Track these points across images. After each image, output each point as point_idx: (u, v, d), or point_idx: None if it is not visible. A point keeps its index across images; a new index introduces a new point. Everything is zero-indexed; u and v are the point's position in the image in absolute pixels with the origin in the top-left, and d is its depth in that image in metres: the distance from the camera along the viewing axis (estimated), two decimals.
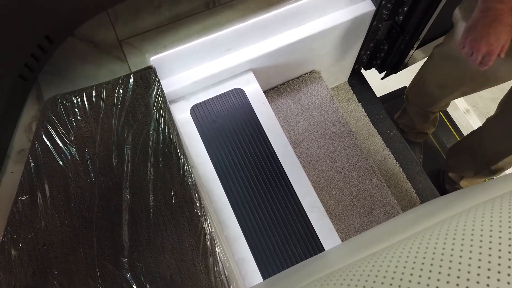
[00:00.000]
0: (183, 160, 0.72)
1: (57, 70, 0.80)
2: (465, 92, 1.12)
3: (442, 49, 1.07)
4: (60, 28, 0.80)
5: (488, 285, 0.23)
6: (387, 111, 1.45)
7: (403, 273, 0.24)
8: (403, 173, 1.32)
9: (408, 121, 1.45)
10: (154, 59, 0.83)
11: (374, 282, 0.25)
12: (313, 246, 0.85)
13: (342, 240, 1.00)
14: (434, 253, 0.25)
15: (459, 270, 0.24)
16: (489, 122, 1.14)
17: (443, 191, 1.48)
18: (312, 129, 1.24)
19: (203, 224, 0.68)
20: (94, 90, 0.77)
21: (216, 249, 0.67)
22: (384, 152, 1.35)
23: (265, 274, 0.82)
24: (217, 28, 0.86)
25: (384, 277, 0.25)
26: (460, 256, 0.24)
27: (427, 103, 1.30)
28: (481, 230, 0.26)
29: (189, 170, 0.72)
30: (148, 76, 0.79)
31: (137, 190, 0.70)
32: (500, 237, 0.25)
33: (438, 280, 0.23)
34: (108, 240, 0.67)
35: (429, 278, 0.24)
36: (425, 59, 1.42)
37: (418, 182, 1.33)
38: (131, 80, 0.78)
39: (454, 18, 0.96)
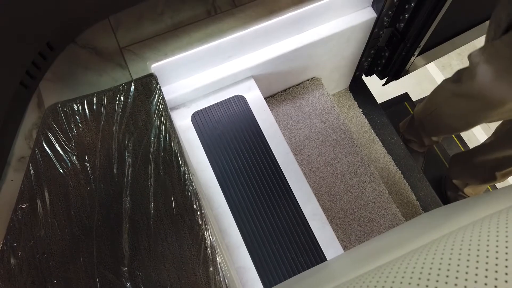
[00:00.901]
0: (184, 168, 0.72)
1: (58, 77, 0.80)
2: (492, 121, 1.10)
3: (461, 89, 1.04)
4: (61, 35, 0.80)
5: None
6: (388, 118, 1.44)
7: None
8: (405, 180, 1.32)
9: (415, 136, 1.45)
10: (155, 66, 0.83)
11: None
12: (315, 255, 0.85)
13: (344, 249, 1.00)
14: (439, 269, 0.25)
15: (465, 286, 0.23)
16: (498, 133, 1.13)
17: (444, 198, 1.47)
18: (313, 136, 1.24)
19: (204, 232, 0.67)
20: (95, 98, 0.77)
21: (217, 258, 0.66)
22: (385, 159, 1.35)
23: (266, 283, 0.81)
24: (219, 35, 0.86)
25: None
26: (466, 273, 0.24)
27: (446, 132, 1.29)
28: (487, 245, 0.25)
29: (190, 178, 0.71)
30: (149, 84, 0.79)
31: (137, 198, 0.70)
32: (506, 253, 0.24)
33: None
34: (108, 248, 0.66)
35: None
36: (425, 65, 1.42)
37: (420, 189, 1.32)
38: (132, 87, 0.78)
39: (473, 60, 0.95)
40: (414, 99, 1.79)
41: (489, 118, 1.04)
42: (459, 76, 1.05)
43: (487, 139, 1.23)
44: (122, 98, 0.77)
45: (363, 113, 1.43)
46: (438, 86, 1.20)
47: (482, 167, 1.23)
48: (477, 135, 2.05)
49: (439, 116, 1.21)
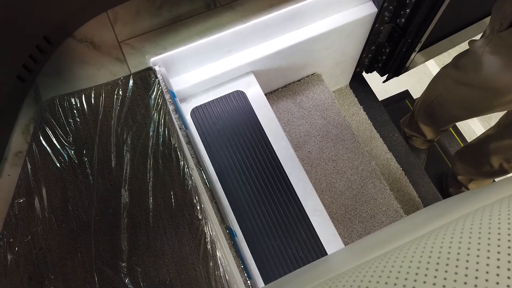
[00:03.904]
0: (183, 162, 0.71)
1: (56, 72, 0.79)
2: (496, 111, 1.07)
3: (466, 77, 1.03)
4: (59, 29, 0.79)
5: (508, 285, 0.21)
6: (389, 115, 1.44)
7: (417, 274, 0.23)
8: (406, 177, 1.31)
9: (417, 132, 1.44)
10: (154, 61, 0.82)
11: (386, 283, 0.23)
12: (316, 251, 0.84)
13: (345, 245, 0.99)
14: (449, 253, 0.24)
15: (476, 270, 0.22)
16: (503, 124, 1.12)
17: (446, 195, 1.46)
18: (314, 132, 1.23)
19: (204, 227, 0.66)
20: (93, 92, 0.76)
21: (217, 253, 0.65)
22: (386, 156, 1.34)
23: (267, 279, 0.80)
24: (218, 29, 0.85)
25: (397, 278, 0.23)
26: (478, 256, 0.23)
27: (449, 122, 1.28)
28: (498, 228, 0.24)
29: (189, 172, 0.70)
30: (148, 77, 0.78)
31: (136, 192, 0.69)
32: None
33: (455, 280, 0.22)
34: (106, 244, 0.65)
35: (445, 278, 0.22)
36: (425, 62, 1.41)
37: (421, 186, 1.31)
38: (131, 81, 0.77)
39: (477, 49, 0.94)
40: (415, 97, 1.78)
41: (494, 108, 1.04)
42: (462, 63, 1.04)
43: (489, 129, 1.21)
44: (120, 92, 0.76)
45: (364, 110, 1.42)
46: (438, 75, 1.19)
47: (488, 159, 1.21)
48: (478, 133, 2.04)
49: (441, 104, 1.19)
